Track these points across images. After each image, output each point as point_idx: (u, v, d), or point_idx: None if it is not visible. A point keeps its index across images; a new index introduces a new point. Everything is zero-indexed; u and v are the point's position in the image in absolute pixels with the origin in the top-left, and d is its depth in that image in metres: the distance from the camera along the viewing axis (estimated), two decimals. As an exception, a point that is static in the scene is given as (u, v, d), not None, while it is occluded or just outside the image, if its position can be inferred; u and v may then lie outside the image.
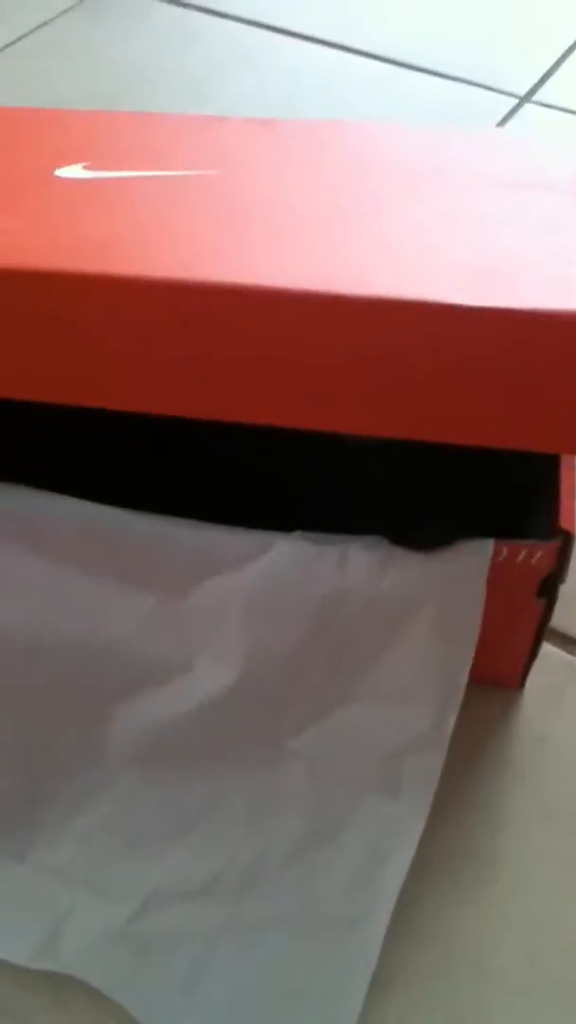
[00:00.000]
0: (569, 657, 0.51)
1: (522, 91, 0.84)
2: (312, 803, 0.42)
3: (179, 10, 0.96)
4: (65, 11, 0.97)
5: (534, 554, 0.40)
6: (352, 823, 0.41)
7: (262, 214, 0.41)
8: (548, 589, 0.42)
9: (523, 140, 0.49)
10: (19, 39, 0.93)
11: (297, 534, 0.40)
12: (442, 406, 0.37)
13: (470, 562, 0.39)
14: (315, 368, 0.37)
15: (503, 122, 0.81)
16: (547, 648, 0.51)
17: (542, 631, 0.46)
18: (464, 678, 0.41)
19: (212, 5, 0.96)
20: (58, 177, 0.43)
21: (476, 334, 0.35)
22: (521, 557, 0.40)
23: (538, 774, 0.47)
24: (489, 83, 0.85)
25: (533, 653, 0.48)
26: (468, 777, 0.47)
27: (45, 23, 0.95)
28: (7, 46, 0.92)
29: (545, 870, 0.43)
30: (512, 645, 0.47)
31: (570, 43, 0.88)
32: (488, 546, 0.39)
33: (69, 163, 0.43)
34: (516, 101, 0.83)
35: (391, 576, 0.39)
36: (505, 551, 0.40)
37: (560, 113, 0.82)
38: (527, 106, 0.83)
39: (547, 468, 0.41)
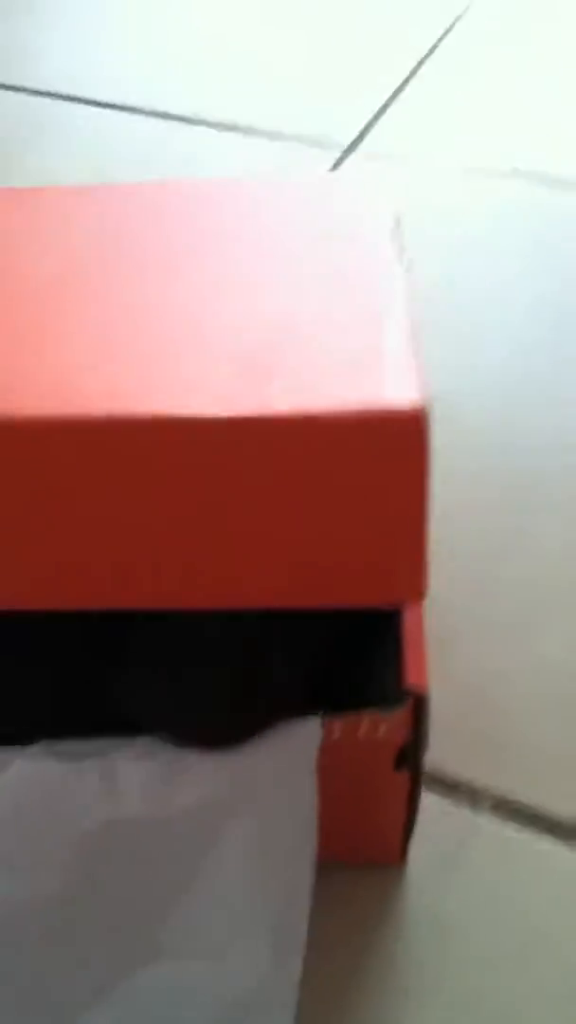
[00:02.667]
0: (453, 808, 0.41)
1: (346, 142, 0.78)
2: None
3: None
4: None
5: (379, 726, 0.29)
6: None
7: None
8: (409, 760, 0.32)
9: (341, 184, 0.40)
10: None
11: (38, 748, 0.28)
12: (222, 554, 0.27)
13: (290, 752, 0.28)
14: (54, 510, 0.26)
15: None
16: (430, 800, 0.41)
17: (414, 801, 0.35)
18: (305, 900, 0.29)
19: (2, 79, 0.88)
20: None
21: (247, 448, 0.25)
22: (363, 732, 0.29)
23: (436, 973, 0.36)
24: (311, 138, 0.79)
25: (409, 825, 0.37)
26: (349, 995, 0.36)
27: None
28: None
29: None
30: (382, 824, 0.36)
31: (391, 92, 0.84)
32: (313, 727, 0.29)
33: None
34: (340, 153, 0.77)
35: (181, 791, 0.28)
36: (338, 729, 0.29)
37: (384, 161, 0.76)
38: (352, 156, 0.77)
39: (381, 614, 0.30)
